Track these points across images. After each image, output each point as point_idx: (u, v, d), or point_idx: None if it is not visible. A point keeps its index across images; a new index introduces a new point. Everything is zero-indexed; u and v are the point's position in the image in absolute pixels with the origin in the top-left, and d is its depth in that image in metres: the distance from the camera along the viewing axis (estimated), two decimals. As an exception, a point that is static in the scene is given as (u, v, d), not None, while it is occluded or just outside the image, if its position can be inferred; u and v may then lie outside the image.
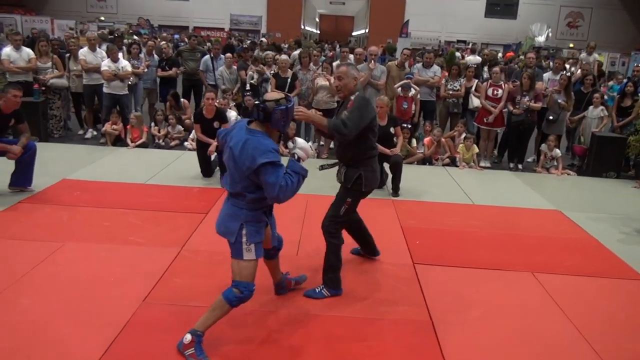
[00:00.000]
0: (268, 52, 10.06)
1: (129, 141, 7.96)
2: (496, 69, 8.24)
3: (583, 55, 12.32)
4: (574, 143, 8.58)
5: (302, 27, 34.48)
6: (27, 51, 8.17)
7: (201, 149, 6.45)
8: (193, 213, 5.25)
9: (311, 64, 8.38)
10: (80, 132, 8.83)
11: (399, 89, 8.04)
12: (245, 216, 3.00)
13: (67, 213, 5.09)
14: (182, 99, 8.87)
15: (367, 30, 33.74)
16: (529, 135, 8.11)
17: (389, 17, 30.50)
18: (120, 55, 8.75)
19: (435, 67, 8.67)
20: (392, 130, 6.37)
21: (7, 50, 8.12)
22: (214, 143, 6.22)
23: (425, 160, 8.00)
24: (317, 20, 49.29)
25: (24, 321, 3.24)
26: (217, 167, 6.57)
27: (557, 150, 7.97)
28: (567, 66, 11.86)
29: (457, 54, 16.99)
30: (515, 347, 3.30)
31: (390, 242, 4.77)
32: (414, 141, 8.07)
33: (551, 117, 8.05)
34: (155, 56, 9.41)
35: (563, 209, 6.11)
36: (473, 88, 8.42)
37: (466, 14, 30.76)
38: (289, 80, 8.05)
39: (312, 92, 8.11)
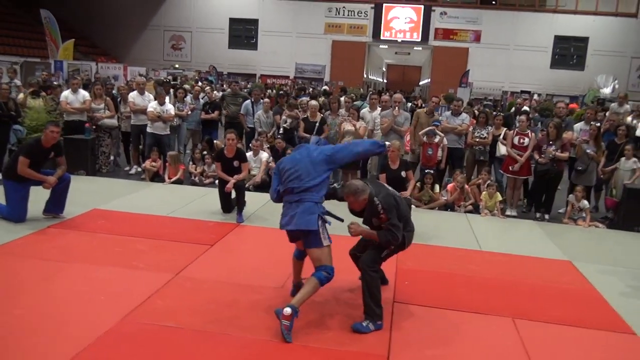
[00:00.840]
0: (303, 98, 10.53)
1: (165, 177, 8.54)
2: (522, 117, 8.25)
3: (614, 105, 11.93)
4: (607, 195, 8.33)
5: (365, 75, 35.26)
6: (83, 93, 9.05)
7: (221, 185, 6.83)
8: (199, 244, 5.60)
9: (340, 110, 8.72)
10: (127, 168, 9.53)
11: (425, 136, 8.22)
12: (319, 209, 3.78)
13: (86, 238, 5.58)
14: (215, 141, 9.41)
15: (429, 80, 34.06)
16: (556, 185, 7.98)
17: (452, 67, 30.68)
18: (167, 99, 9.50)
19: (464, 115, 8.79)
20: (403, 174, 6.52)
21: (66, 92, 9.03)
22: (232, 180, 6.62)
23: (448, 207, 8.02)
24: (384, 69, 50.25)
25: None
26: (236, 204, 6.89)
27: (585, 202, 7.79)
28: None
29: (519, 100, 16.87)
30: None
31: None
32: (437, 187, 8.14)
33: (580, 168, 7.92)
34: (201, 100, 10.08)
35: (575, 260, 5.98)
36: (501, 136, 8.44)
37: (531, 64, 30.41)
38: (317, 124, 8.41)
39: (339, 137, 8.42)
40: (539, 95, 27.36)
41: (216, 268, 5.00)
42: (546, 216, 8.01)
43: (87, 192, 7.41)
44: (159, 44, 34.44)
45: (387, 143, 4.28)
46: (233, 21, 33.41)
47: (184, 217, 6.60)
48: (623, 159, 8.04)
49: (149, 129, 8.84)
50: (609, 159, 8.22)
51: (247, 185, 8.46)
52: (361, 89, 25.13)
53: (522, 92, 29.70)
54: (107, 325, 3.73)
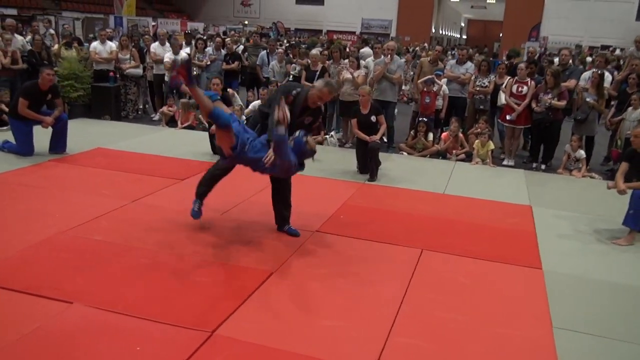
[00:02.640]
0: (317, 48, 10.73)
1: (178, 123, 9.17)
2: (521, 65, 8.04)
3: (632, 50, 10.61)
4: (612, 147, 8.01)
5: (434, 31, 34.29)
6: (110, 44, 9.80)
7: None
8: (172, 178, 6.15)
9: (342, 59, 8.88)
10: (152, 115, 10.27)
11: (423, 84, 8.26)
12: None
13: (75, 171, 6.29)
14: (228, 89, 9.86)
15: (501, 35, 32.58)
16: (553, 135, 7.78)
17: (525, 21, 29.20)
18: (188, 49, 10.08)
19: (469, 64, 8.68)
20: (373, 118, 6.69)
21: (95, 44, 9.81)
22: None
23: (441, 155, 8.08)
24: (463, 25, 48.34)
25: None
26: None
27: (582, 152, 7.57)
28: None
29: (588, 58, 15.80)
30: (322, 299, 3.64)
31: (313, 214, 5.21)
32: (430, 135, 8.20)
33: (579, 117, 7.67)
34: (222, 50, 10.55)
35: (537, 206, 5.98)
36: (504, 85, 8.28)
37: (614, 16, 28.24)
38: (318, 73, 8.64)
39: (338, 85, 8.61)
40: (622, 50, 25.41)
41: (173, 198, 5.52)
42: (542, 166, 7.88)
43: (100, 134, 8.20)
44: (230, 1, 35.23)
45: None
46: (301, -24, 33.50)
47: (175, 157, 7.16)
48: (630, 108, 7.68)
49: (166, 78, 9.46)
50: (619, 109, 7.88)
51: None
52: (425, 45, 24.60)
53: (603, 47, 27.76)
54: (45, 236, 4.35)
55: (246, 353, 2.98)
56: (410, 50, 19.09)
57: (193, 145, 7.78)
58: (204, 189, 4.75)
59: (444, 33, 39.44)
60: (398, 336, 3.24)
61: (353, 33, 32.31)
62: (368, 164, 6.66)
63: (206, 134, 8.35)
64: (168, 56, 9.37)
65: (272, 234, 4.73)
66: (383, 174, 6.86)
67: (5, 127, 7.70)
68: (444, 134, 8.25)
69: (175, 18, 26.47)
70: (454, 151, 8.05)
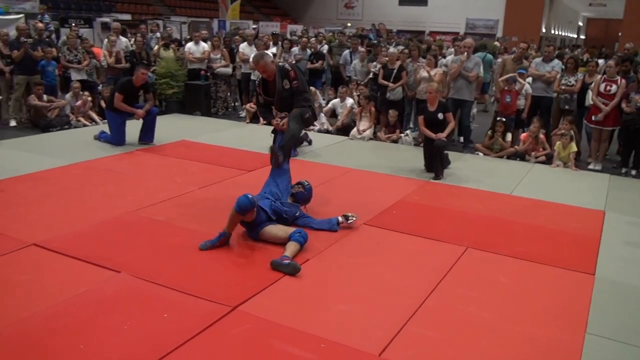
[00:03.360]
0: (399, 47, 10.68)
1: (261, 119, 9.58)
2: (610, 62, 7.53)
3: None
4: None
5: (544, 30, 32.59)
6: (204, 45, 10.45)
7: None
8: (240, 169, 6.51)
9: (420, 57, 8.83)
10: (240, 111, 10.83)
11: (504, 82, 8.02)
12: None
13: (158, 160, 6.86)
14: (311, 87, 10.12)
15: (620, 34, 30.21)
16: (645, 138, 7.22)
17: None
18: (274, 49, 10.51)
19: (555, 62, 8.28)
20: (440, 116, 6.61)
21: (189, 44, 10.52)
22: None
23: (519, 156, 7.78)
24: (580, 24, 45.43)
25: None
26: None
27: (676, 157, 6.95)
28: None
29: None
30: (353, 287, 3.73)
31: (366, 207, 5.29)
32: (508, 135, 7.92)
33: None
34: (308, 50, 10.87)
35: (611, 211, 5.62)
36: (592, 84, 7.80)
37: None
38: (395, 71, 8.66)
39: (415, 83, 8.60)
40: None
41: (235, 187, 5.84)
42: (632, 172, 7.34)
43: (189, 128, 8.82)
44: (333, 3, 35.80)
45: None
46: (404, -24, 33.28)
47: (249, 150, 7.54)
48: None
49: (252, 76, 9.94)
50: None
51: (331, 129, 9.18)
52: (532, 45, 23.44)
53: None
54: (114, 214, 4.83)
55: (260, 328, 3.16)
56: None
57: (269, 140, 8.09)
58: None
59: (556, 33, 37.30)
60: (413, 326, 3.26)
61: (457, 34, 31.42)
62: (434, 162, 6.60)
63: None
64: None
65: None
66: (451, 173, 6.77)
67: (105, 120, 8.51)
68: (523, 135, 7.93)
69: (279, 21, 27.44)
70: (533, 153, 7.72)
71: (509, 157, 7.78)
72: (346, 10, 35.50)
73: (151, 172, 6.30)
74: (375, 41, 17.04)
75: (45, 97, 8.79)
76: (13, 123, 8.84)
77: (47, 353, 2.83)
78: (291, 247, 4.06)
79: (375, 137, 8.75)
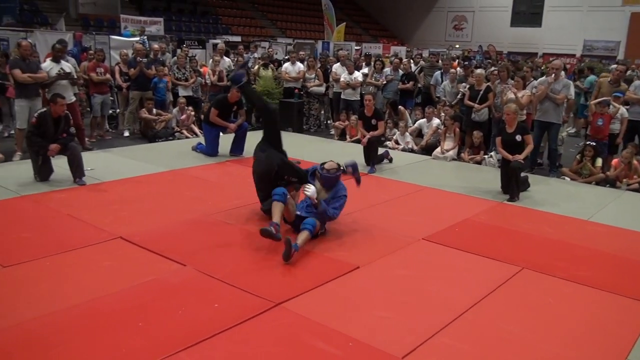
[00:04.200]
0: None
1: (347, 137, 9.93)
2: None
3: None
4: None
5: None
6: (299, 65, 11.03)
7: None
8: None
9: (509, 79, 8.72)
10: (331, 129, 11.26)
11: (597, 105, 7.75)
12: None
13: (243, 170, 7.32)
14: (400, 107, 10.29)
15: None
16: None
17: None
18: (367, 70, 10.87)
19: (658, 86, 7.83)
20: (518, 137, 6.54)
21: (286, 64, 11.16)
22: (367, 135, 7.62)
23: (608, 182, 7.42)
24: None
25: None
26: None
27: None
28: None
29: None
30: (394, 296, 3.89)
31: (428, 224, 5.40)
32: (598, 160, 7.58)
33: None
34: (400, 71, 11.08)
35: (698, 244, 5.25)
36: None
37: None
38: (482, 92, 8.63)
39: (502, 104, 8.50)
40: None
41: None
42: None
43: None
44: (442, 25, 35.63)
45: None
46: (518, -1, 32.43)
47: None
48: None
49: (342, 95, 10.34)
50: None
51: (415, 148, 9.31)
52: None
53: None
54: (192, 216, 5.35)
55: (296, 323, 3.43)
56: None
57: (350, 156, 8.34)
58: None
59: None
60: (445, 337, 3.36)
61: (572, 56, 30.06)
62: (509, 184, 6.52)
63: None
64: (344, 76, 10.24)
65: (380, 236, 5.05)
66: (529, 196, 6.65)
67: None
68: (614, 160, 7.56)
69: (386, 43, 27.88)
70: (625, 180, 7.33)
71: (597, 184, 7.44)
72: (455, 32, 35.18)
73: (235, 180, 6.82)
74: (482, 63, 16.91)
75: (154, 110, 9.75)
76: (126, 133, 9.89)
77: (111, 327, 3.30)
78: (302, 236, 4.48)
79: (458, 157, 8.73)
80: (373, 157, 7.61)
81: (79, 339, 3.15)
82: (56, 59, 8.09)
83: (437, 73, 10.51)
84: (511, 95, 8.27)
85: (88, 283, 3.87)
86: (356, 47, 19.04)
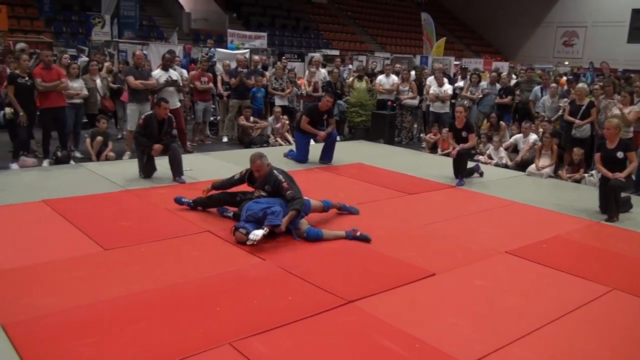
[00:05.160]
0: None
1: (439, 150, 9.83)
2: None
3: None
4: None
5: None
6: (394, 78, 11.10)
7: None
8: (400, 192, 6.86)
9: (615, 94, 8.26)
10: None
11: None
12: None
13: (329, 177, 7.58)
14: (501, 122, 10.00)
15: None
16: None
17: None
18: (462, 83, 10.75)
19: None
20: (620, 154, 6.17)
21: (381, 77, 11.29)
22: (457, 147, 7.52)
23: None
24: None
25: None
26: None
27: None
28: None
29: None
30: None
31: (516, 238, 5.26)
32: None
33: None
34: (497, 85, 10.81)
35: None
36: None
37: None
38: (584, 107, 8.23)
39: (605, 119, 8.05)
40: None
41: (391, 206, 6.21)
42: None
43: (368, 153, 9.45)
44: (551, 41, 34.17)
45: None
46: (636, 12, 30.37)
47: (417, 176, 7.82)
48: None
49: (431, 108, 10.29)
50: None
51: (509, 163, 9.04)
52: None
53: None
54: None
55: (365, 321, 3.48)
56: None
57: (439, 169, 8.31)
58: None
59: None
60: (517, 348, 3.27)
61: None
62: (608, 203, 6.16)
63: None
64: (433, 88, 10.19)
65: (461, 246, 4.98)
66: (631, 217, 6.25)
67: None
68: None
69: (488, 58, 27.18)
70: None
71: None
72: (564, 48, 33.61)
73: (320, 186, 6.98)
74: (592, 81, 16.03)
75: (252, 118, 10.22)
76: (225, 139, 10.46)
77: (191, 308, 3.54)
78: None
79: (555, 175, 8.36)
80: (462, 170, 7.48)
81: (161, 316, 3.41)
82: (165, 68, 8.73)
83: (537, 88, 10.15)
84: (616, 111, 7.82)
85: (175, 269, 4.17)
86: (455, 62, 18.70)
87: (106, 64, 10.44)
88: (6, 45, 12.01)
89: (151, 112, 6.95)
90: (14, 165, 7.29)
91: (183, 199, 5.61)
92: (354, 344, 3.22)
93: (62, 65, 8.15)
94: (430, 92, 10.23)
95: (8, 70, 7.63)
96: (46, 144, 7.70)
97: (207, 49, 13.89)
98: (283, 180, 5.09)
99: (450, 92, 10.24)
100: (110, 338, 3.12)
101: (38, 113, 7.56)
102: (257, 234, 4.51)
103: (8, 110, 7.45)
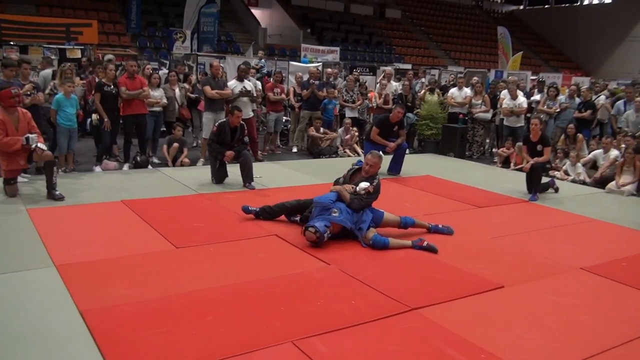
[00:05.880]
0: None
1: (511, 165, 9.55)
2: None
3: None
4: None
5: None
6: (466, 91, 10.92)
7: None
8: (470, 204, 6.72)
9: None
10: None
11: None
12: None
13: (396, 188, 7.52)
14: (578, 134, 9.58)
15: None
16: None
17: None
18: (539, 97, 10.45)
19: None
20: None
21: (453, 90, 11.13)
22: (531, 161, 7.28)
23: None
24: None
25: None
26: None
27: None
28: None
29: None
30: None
31: (592, 255, 5.03)
32: None
33: None
34: (577, 99, 10.39)
35: None
36: None
37: None
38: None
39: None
40: None
41: (461, 219, 6.09)
42: None
43: (438, 166, 9.34)
44: (636, 55, 32.46)
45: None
46: None
47: (488, 190, 7.59)
48: None
49: (505, 122, 10.01)
50: None
51: (588, 180, 8.66)
52: None
53: None
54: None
55: (428, 328, 3.43)
56: None
57: (512, 183, 8.06)
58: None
59: None
60: (589, 365, 3.11)
61: None
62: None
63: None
64: (506, 102, 9.93)
65: (532, 260, 4.81)
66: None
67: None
68: None
69: (568, 74, 26.17)
70: None
71: None
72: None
73: (387, 197, 6.87)
74: None
75: (322, 129, 10.34)
76: (295, 149, 10.64)
77: (257, 306, 3.62)
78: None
79: (638, 193, 7.90)
80: (536, 185, 7.23)
81: (228, 312, 3.51)
82: (240, 79, 9.01)
83: (620, 102, 9.69)
84: None
85: (243, 269, 4.28)
86: (532, 77, 18.15)
87: (189, 76, 10.84)
88: (96, 57, 12.81)
89: (225, 119, 7.20)
90: (97, 168, 7.74)
91: (250, 208, 5.71)
92: (416, 350, 3.18)
93: (144, 75, 8.59)
94: (504, 106, 9.96)
95: (97, 80, 8.13)
96: (127, 149, 8.13)
97: (258, 59, 14.15)
98: (375, 184, 5.23)
99: (524, 105, 9.93)
100: (179, 329, 3.25)
101: (121, 120, 7.99)
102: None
103: (94, 116, 7.94)
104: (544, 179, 7.59)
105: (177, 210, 5.85)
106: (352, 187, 5.12)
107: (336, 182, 5.47)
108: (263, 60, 14.16)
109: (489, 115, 10.79)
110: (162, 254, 4.54)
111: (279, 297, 3.78)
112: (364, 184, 5.07)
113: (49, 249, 4.46)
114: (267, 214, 5.60)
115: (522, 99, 9.97)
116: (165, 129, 9.34)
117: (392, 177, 8.21)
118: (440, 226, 5.49)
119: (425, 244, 4.90)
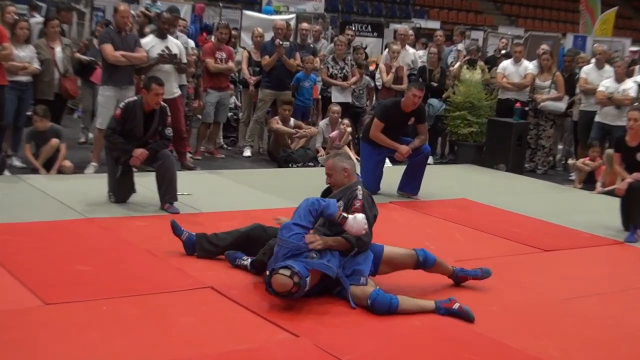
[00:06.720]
0: None
1: (598, 184, 9.66)
2: None
3: None
4: None
5: None
6: (527, 65, 11.06)
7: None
8: (531, 247, 6.78)
9: None
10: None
11: None
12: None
13: (409, 216, 7.61)
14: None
15: None
16: None
17: None
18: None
19: None
20: None
21: (506, 62, 11.27)
22: (629, 178, 7.38)
23: None
24: None
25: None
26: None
27: None
28: None
29: None
30: None
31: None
32: None
33: None
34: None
35: None
36: None
37: None
38: None
39: None
40: None
41: (515, 269, 6.13)
42: None
43: (480, 184, 9.54)
44: None
45: None
46: None
47: (560, 225, 7.67)
48: None
49: (597, 117, 10.12)
50: None
51: None
52: None
53: None
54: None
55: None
56: None
57: (597, 214, 8.17)
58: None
59: None
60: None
61: None
62: None
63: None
64: (605, 84, 10.01)
65: (625, 335, 4.85)
66: None
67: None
68: None
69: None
70: None
71: None
72: None
73: (397, 230, 6.94)
74: None
75: (292, 121, 10.33)
76: (247, 152, 10.61)
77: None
78: None
79: None
80: (637, 217, 7.31)
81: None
82: (162, 34, 8.98)
83: None
84: None
85: (155, 341, 4.18)
86: (632, 49, 18.43)
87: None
88: None
89: (135, 98, 7.16)
90: None
91: (182, 229, 5.72)
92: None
93: (4, 23, 8.50)
94: (599, 90, 10.04)
95: None
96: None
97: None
98: (361, 198, 5.19)
99: (633, 93, 9.93)
100: None
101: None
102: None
103: None
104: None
105: (51, 244, 5.79)
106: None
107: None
108: (159, 2, 13.52)
109: (562, 106, 10.91)
110: (22, 313, 4.46)
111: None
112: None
113: None
114: (208, 246, 5.65)
115: (630, 83, 10.03)
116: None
117: (406, 200, 8.24)
118: (472, 271, 5.46)
119: (455, 306, 4.87)
